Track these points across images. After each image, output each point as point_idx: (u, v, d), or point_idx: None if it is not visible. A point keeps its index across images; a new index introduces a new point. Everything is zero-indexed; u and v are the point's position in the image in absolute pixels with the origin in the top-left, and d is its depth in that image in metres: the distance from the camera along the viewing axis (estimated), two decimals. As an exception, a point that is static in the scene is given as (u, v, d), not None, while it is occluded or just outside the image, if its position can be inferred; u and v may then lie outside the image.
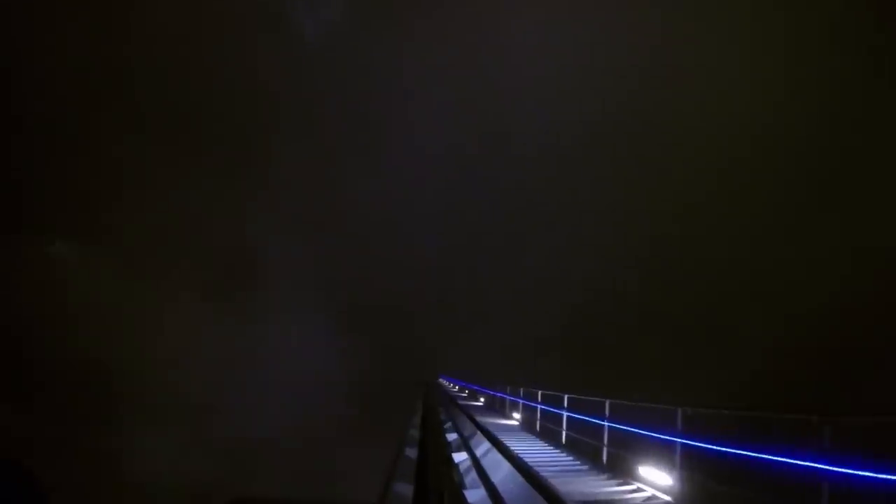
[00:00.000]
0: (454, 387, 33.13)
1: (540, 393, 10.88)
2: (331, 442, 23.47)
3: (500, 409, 15.17)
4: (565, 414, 9.14)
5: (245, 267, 31.20)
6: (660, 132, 30.81)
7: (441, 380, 45.04)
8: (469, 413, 10.76)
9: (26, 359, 21.98)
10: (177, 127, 29.98)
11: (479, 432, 7.50)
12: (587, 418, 7.96)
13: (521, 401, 12.45)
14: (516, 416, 12.85)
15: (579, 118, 32.37)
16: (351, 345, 31.59)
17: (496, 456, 5.75)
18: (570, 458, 8.15)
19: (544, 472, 5.05)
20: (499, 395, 15.79)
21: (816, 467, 3.89)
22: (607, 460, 7.30)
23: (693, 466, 5.45)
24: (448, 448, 6.24)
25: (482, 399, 19.39)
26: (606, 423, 7.40)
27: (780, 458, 4.18)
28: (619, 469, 6.81)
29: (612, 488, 6.31)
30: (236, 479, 21.02)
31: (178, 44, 28.39)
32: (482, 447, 6.85)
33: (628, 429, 6.63)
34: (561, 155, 34.38)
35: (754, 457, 4.43)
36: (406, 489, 3.66)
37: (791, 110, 25.11)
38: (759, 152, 26.33)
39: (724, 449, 4.80)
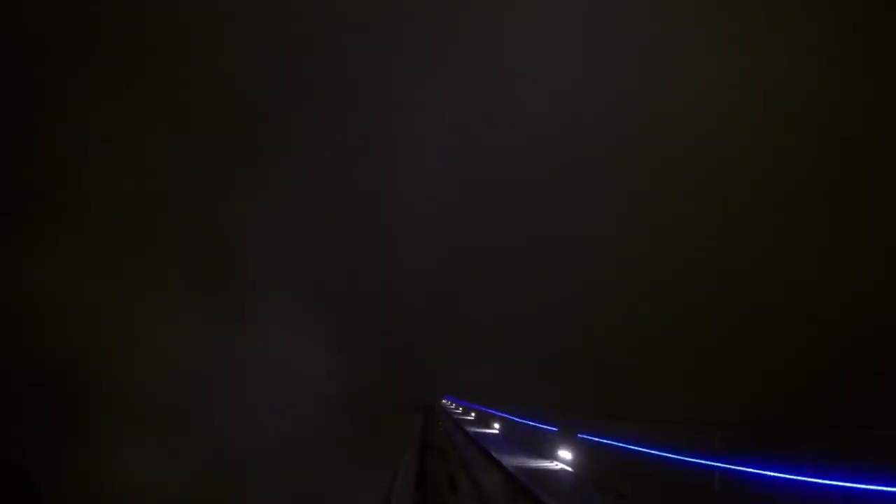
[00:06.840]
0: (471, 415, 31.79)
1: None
2: (318, 456, 23.14)
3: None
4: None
5: (237, 273, 30.76)
6: (666, 145, 30.59)
7: (446, 400, 44.24)
8: None
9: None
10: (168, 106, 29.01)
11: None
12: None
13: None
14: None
15: (585, 134, 32.47)
16: (347, 359, 31.19)
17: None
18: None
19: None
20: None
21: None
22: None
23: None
24: None
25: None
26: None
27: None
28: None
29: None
30: (220, 491, 20.82)
31: (172, 21, 27.91)
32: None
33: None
34: (568, 171, 34.39)
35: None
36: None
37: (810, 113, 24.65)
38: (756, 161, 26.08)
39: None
